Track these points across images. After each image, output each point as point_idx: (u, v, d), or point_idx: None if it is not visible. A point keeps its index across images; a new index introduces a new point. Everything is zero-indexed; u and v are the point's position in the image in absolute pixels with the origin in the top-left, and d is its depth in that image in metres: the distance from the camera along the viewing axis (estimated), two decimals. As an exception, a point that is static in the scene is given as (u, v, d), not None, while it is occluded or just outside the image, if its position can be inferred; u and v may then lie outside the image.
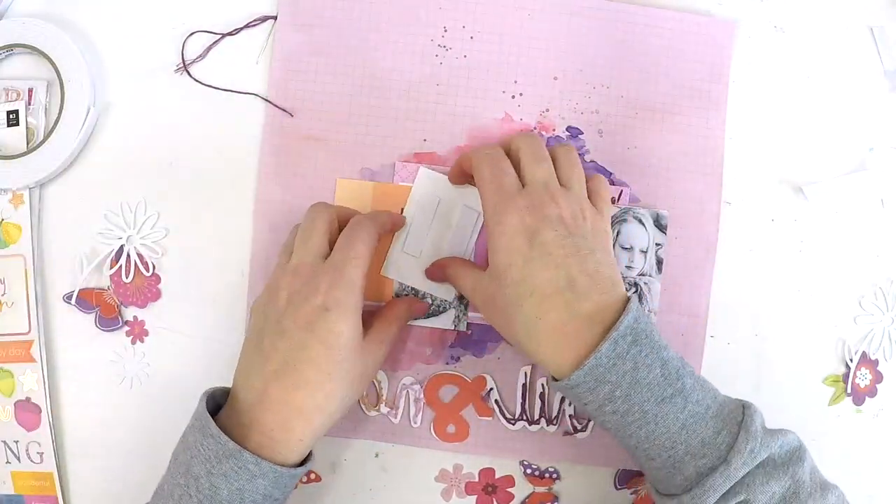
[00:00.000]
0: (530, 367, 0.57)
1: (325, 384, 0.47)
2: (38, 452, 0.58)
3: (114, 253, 0.58)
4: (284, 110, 0.58)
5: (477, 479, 0.58)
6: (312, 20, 0.58)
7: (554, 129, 0.58)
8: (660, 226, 0.57)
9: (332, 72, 0.58)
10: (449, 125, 0.58)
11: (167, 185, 0.58)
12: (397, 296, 0.57)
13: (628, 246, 0.57)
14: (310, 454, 0.50)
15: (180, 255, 0.58)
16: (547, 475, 0.58)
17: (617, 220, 0.57)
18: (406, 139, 0.58)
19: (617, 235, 0.57)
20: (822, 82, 0.60)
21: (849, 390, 0.59)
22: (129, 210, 0.58)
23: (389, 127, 0.58)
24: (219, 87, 0.58)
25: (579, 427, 0.57)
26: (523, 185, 0.50)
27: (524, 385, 0.57)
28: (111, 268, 0.58)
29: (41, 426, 0.58)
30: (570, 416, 0.57)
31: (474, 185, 0.52)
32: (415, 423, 0.58)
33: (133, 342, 0.58)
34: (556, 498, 0.58)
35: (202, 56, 0.59)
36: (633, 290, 0.57)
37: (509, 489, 0.58)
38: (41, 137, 0.58)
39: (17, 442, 0.58)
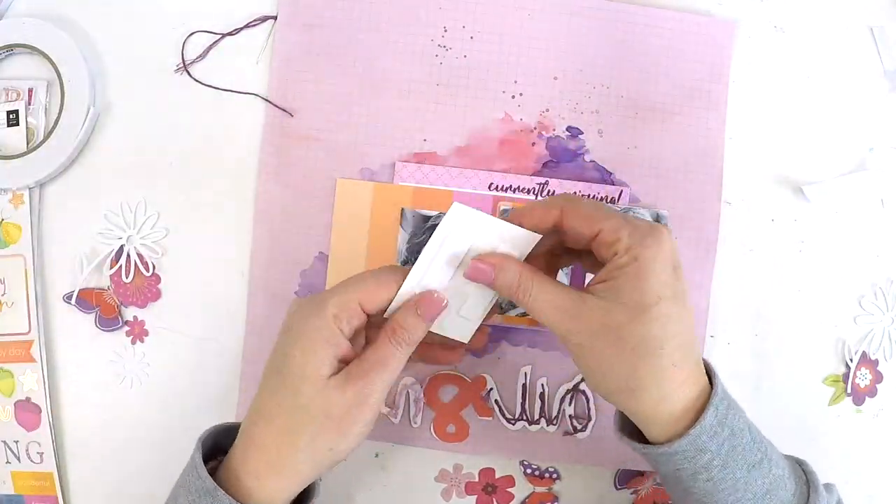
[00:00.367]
0: (530, 367, 0.57)
1: (278, 421, 0.43)
2: (38, 452, 0.58)
3: (114, 253, 0.58)
4: (284, 110, 0.58)
5: (477, 479, 0.58)
6: (312, 20, 0.58)
7: (554, 129, 0.58)
8: (660, 226, 0.57)
9: (332, 72, 0.58)
10: (449, 125, 0.58)
11: (167, 185, 0.58)
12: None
13: (628, 246, 0.57)
14: (312, 491, 0.47)
15: (180, 255, 0.58)
16: (547, 475, 0.58)
17: (617, 220, 0.57)
18: (406, 139, 0.58)
19: (617, 235, 0.57)
20: (822, 82, 0.60)
21: (849, 390, 0.59)
22: (129, 210, 0.58)
23: (389, 127, 0.58)
24: (219, 87, 0.58)
25: (579, 427, 0.57)
26: None
27: (524, 385, 0.57)
28: (111, 268, 0.58)
29: (41, 426, 0.58)
30: (570, 416, 0.57)
31: (546, 231, 0.46)
32: (415, 423, 0.58)
33: (133, 342, 0.58)
34: (556, 498, 0.58)
35: (202, 56, 0.59)
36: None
37: (509, 489, 0.58)
38: (41, 137, 0.58)
39: (17, 442, 0.58)
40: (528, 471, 0.58)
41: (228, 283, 0.58)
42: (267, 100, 0.58)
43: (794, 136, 0.59)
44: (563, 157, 0.58)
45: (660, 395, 0.42)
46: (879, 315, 0.59)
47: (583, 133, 0.58)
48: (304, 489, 0.46)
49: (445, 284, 0.46)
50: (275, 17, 0.58)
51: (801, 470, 0.47)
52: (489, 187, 0.57)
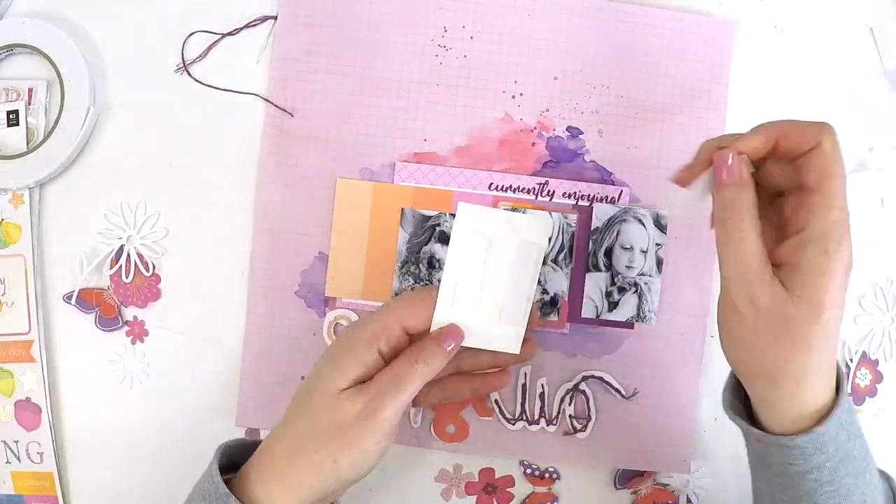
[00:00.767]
0: (530, 367, 0.57)
1: (291, 428, 0.44)
2: (38, 452, 0.58)
3: (114, 253, 0.58)
4: (284, 110, 0.58)
5: (477, 479, 0.58)
6: (312, 20, 0.58)
7: (554, 129, 0.58)
8: (660, 226, 0.57)
9: (332, 72, 0.58)
10: (449, 125, 0.58)
11: (167, 185, 0.58)
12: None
13: (628, 246, 0.57)
14: None
15: (180, 255, 0.58)
16: (547, 475, 0.58)
17: (617, 220, 0.57)
18: (406, 139, 0.58)
19: (617, 235, 0.57)
20: (822, 82, 0.60)
21: (849, 390, 0.59)
22: (129, 210, 0.58)
23: (389, 127, 0.58)
24: (219, 87, 0.58)
25: (579, 427, 0.57)
26: None
27: (524, 385, 0.57)
28: (111, 268, 0.58)
29: (41, 426, 0.58)
30: (570, 416, 0.57)
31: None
32: (415, 423, 0.58)
33: (133, 342, 0.58)
34: (555, 498, 0.58)
35: (202, 56, 0.59)
36: (633, 290, 0.57)
37: (509, 489, 0.58)
38: (41, 137, 0.58)
39: (17, 442, 0.58)
40: (528, 471, 0.58)
41: (228, 283, 0.58)
42: (267, 100, 0.58)
43: (794, 136, 0.59)
44: (563, 157, 0.58)
45: (800, 391, 0.42)
46: (879, 315, 0.59)
47: (583, 133, 0.58)
48: None
49: (477, 293, 0.46)
50: (275, 17, 0.58)
51: (888, 485, 0.47)
52: (489, 187, 0.57)
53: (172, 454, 0.58)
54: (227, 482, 0.44)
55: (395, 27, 0.58)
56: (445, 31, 0.58)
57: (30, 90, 0.58)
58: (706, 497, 0.59)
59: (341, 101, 0.58)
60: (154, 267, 0.58)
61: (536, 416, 0.57)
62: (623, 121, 0.58)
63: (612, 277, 0.57)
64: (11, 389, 0.58)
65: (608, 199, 0.58)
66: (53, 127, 0.57)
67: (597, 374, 0.57)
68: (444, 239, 0.57)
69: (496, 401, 0.57)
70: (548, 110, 0.58)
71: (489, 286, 0.47)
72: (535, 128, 0.58)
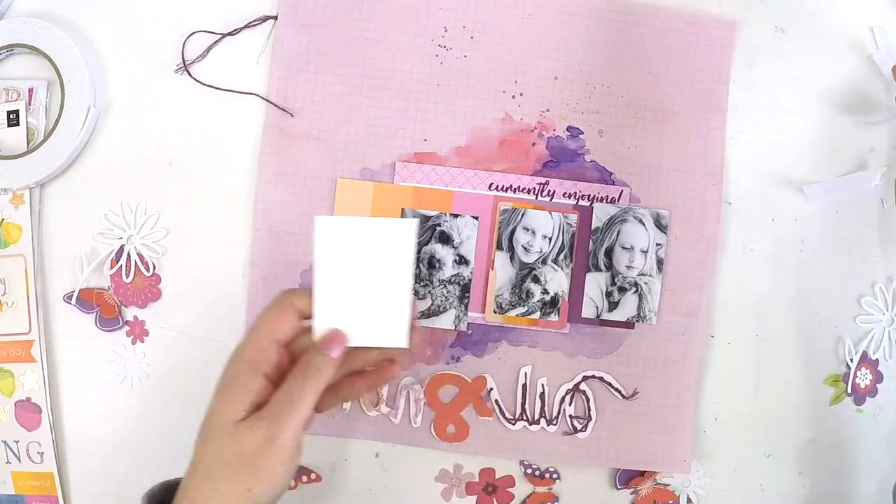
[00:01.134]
0: (530, 367, 0.57)
1: (199, 469, 0.43)
2: (38, 452, 0.58)
3: (114, 253, 0.58)
4: (284, 110, 0.58)
5: (477, 479, 0.58)
6: (312, 20, 0.58)
7: (554, 129, 0.58)
8: (660, 226, 0.57)
9: (332, 72, 0.58)
10: (449, 125, 0.58)
11: (167, 185, 0.58)
12: None
13: (628, 246, 0.57)
14: None
15: (180, 255, 0.58)
16: (547, 475, 0.58)
17: (617, 220, 0.57)
18: (406, 139, 0.58)
19: (617, 235, 0.57)
20: (822, 82, 0.60)
21: (849, 390, 0.59)
22: (129, 210, 0.58)
23: (389, 127, 0.58)
24: (219, 87, 0.58)
25: (579, 427, 0.57)
26: None
27: (524, 385, 0.57)
28: (111, 268, 0.58)
29: (41, 426, 0.58)
30: (570, 416, 0.58)
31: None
32: (415, 423, 0.58)
33: (133, 342, 0.58)
34: (556, 498, 0.58)
35: (202, 56, 0.59)
36: (633, 290, 0.57)
37: (509, 489, 0.58)
38: (41, 137, 0.58)
39: (17, 442, 0.58)
40: (528, 471, 0.58)
41: (228, 283, 0.58)
42: (267, 100, 0.58)
43: (794, 136, 0.59)
44: (563, 156, 0.58)
45: None
46: (879, 315, 0.59)
47: (583, 133, 0.58)
48: None
49: (353, 295, 0.45)
50: (275, 17, 0.58)
51: None
52: (489, 187, 0.58)
53: (172, 454, 0.58)
54: None
55: (395, 27, 0.58)
56: (445, 31, 0.58)
57: (30, 90, 0.58)
58: (706, 497, 0.59)
59: (341, 101, 0.58)
60: (154, 267, 0.58)
61: (536, 416, 0.57)
62: (623, 121, 0.58)
63: (613, 277, 0.57)
64: (11, 389, 0.58)
65: (608, 199, 0.58)
66: (53, 127, 0.57)
67: (597, 374, 0.57)
68: (444, 239, 0.57)
69: (496, 401, 0.57)
70: (548, 110, 0.58)
71: (364, 287, 0.45)
72: (536, 128, 0.58)
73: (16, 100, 0.58)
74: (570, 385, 0.58)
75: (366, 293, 0.46)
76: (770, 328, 0.59)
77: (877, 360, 0.59)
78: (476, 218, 0.58)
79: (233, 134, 0.58)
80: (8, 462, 0.58)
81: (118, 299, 0.58)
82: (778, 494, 0.58)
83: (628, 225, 0.57)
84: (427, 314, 0.57)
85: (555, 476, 0.58)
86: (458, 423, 0.58)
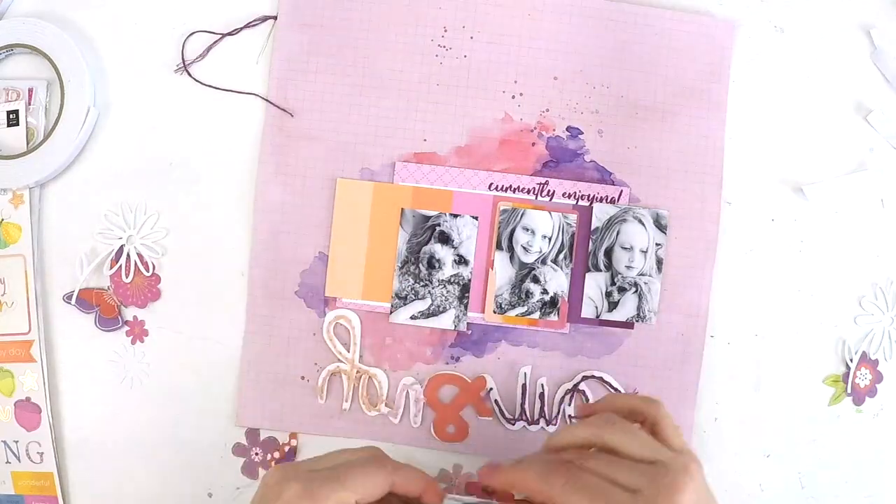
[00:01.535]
0: (530, 367, 0.57)
1: None
2: (38, 452, 0.58)
3: (114, 253, 0.58)
4: (284, 110, 0.58)
5: (477, 479, 0.58)
6: (312, 20, 0.58)
7: (554, 129, 0.58)
8: (660, 226, 0.57)
9: (332, 72, 0.58)
10: (449, 125, 0.58)
11: (167, 185, 0.58)
12: None
13: (628, 246, 0.57)
14: None
15: (180, 255, 0.58)
16: (547, 475, 0.58)
17: (617, 220, 0.57)
18: (406, 139, 0.58)
19: (617, 235, 0.57)
20: (822, 82, 0.60)
21: (849, 390, 0.59)
22: (129, 210, 0.58)
23: (389, 127, 0.58)
24: (219, 87, 0.58)
25: (579, 427, 0.57)
26: None
27: (524, 385, 0.57)
28: (111, 268, 0.58)
29: (41, 426, 0.58)
30: (569, 416, 0.57)
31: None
32: (415, 423, 0.58)
33: (133, 342, 0.58)
34: (556, 498, 0.58)
35: (202, 56, 0.59)
36: (633, 290, 0.57)
37: (509, 489, 0.58)
38: (41, 137, 0.58)
39: (17, 442, 0.58)
40: (528, 471, 0.58)
41: (228, 283, 0.58)
42: (267, 100, 0.58)
43: (794, 136, 0.59)
44: (563, 157, 0.58)
45: None
46: (879, 315, 0.59)
47: (583, 133, 0.58)
48: None
49: None
50: (275, 17, 0.58)
51: None
52: (489, 187, 0.58)
53: (172, 454, 0.58)
54: None
55: (395, 27, 0.58)
56: (445, 31, 0.58)
57: (30, 90, 0.58)
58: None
59: (341, 101, 0.58)
60: (154, 267, 0.58)
61: (536, 416, 0.57)
62: (623, 121, 0.58)
63: (612, 277, 0.57)
64: (11, 389, 0.58)
65: (608, 199, 0.58)
66: (53, 127, 0.57)
67: (597, 374, 0.57)
68: (444, 239, 0.57)
69: (496, 401, 0.57)
70: (548, 110, 0.58)
71: None
72: (535, 128, 0.58)
73: (15, 100, 0.58)
74: (569, 385, 0.57)
75: None
76: (770, 328, 0.59)
77: (876, 360, 0.59)
78: (476, 218, 0.58)
79: (233, 134, 0.58)
80: (8, 462, 0.58)
81: (118, 299, 0.58)
82: (778, 494, 0.58)
83: (628, 225, 0.57)
84: (426, 314, 0.57)
85: (555, 476, 0.58)
86: (458, 424, 0.58)
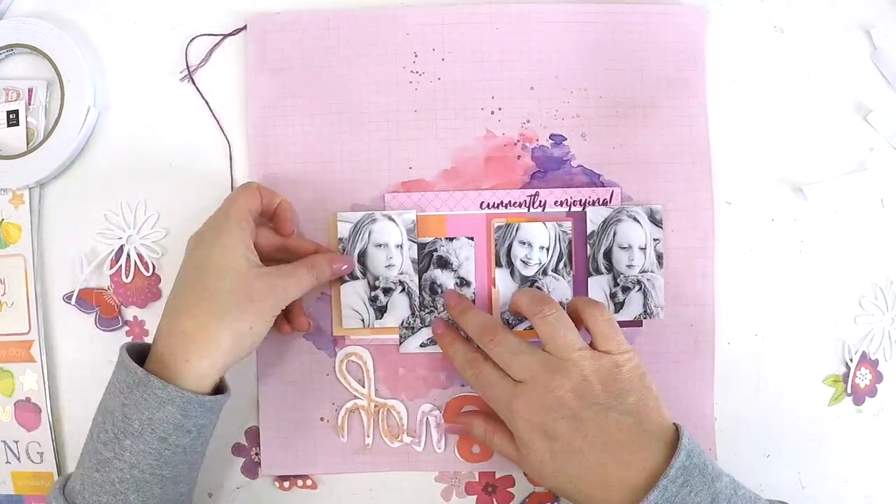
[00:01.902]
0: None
1: (203, 305, 0.48)
2: (38, 452, 0.58)
3: (114, 253, 0.58)
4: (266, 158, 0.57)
5: (477, 480, 0.58)
6: (282, 64, 0.57)
7: (537, 139, 0.58)
8: (655, 221, 0.57)
9: (308, 112, 0.57)
10: (432, 149, 0.58)
11: (167, 185, 0.58)
12: None
13: (626, 245, 0.57)
14: (225, 388, 0.51)
15: (180, 255, 0.58)
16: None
17: (612, 221, 0.57)
18: (392, 169, 0.57)
19: (613, 236, 0.57)
20: (822, 82, 0.60)
21: (849, 390, 0.59)
22: (129, 210, 0.58)
23: (373, 159, 0.57)
24: (211, 103, 0.58)
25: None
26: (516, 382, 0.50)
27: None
28: (111, 268, 0.58)
29: (41, 426, 0.58)
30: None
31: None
32: (438, 448, 0.57)
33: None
34: (556, 498, 0.58)
35: (205, 60, 0.58)
36: (637, 288, 0.57)
37: (509, 489, 0.58)
38: (41, 137, 0.58)
39: (17, 442, 0.58)
40: (528, 471, 0.58)
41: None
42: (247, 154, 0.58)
43: (794, 136, 0.59)
44: (549, 165, 0.58)
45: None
46: (879, 315, 0.59)
47: (566, 139, 0.58)
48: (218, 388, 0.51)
49: None
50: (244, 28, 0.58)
51: None
52: (481, 206, 0.57)
53: (172, 454, 0.58)
54: None
55: (365, 59, 0.57)
56: (416, 55, 0.58)
57: (30, 90, 0.58)
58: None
59: (322, 139, 0.57)
60: (154, 267, 0.58)
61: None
62: (605, 121, 0.58)
63: (615, 278, 0.57)
64: (11, 389, 0.58)
65: (600, 202, 0.57)
66: (53, 127, 0.57)
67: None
68: (443, 264, 0.57)
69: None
70: (528, 121, 0.58)
71: None
72: (518, 140, 0.58)
73: (15, 100, 0.58)
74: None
75: None
76: (770, 328, 0.59)
77: (876, 360, 0.59)
78: (471, 238, 0.57)
79: (233, 134, 0.58)
80: (8, 462, 0.58)
81: (118, 299, 0.58)
82: (778, 495, 0.58)
83: (623, 224, 0.57)
84: (436, 340, 0.57)
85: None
86: (482, 443, 0.57)
